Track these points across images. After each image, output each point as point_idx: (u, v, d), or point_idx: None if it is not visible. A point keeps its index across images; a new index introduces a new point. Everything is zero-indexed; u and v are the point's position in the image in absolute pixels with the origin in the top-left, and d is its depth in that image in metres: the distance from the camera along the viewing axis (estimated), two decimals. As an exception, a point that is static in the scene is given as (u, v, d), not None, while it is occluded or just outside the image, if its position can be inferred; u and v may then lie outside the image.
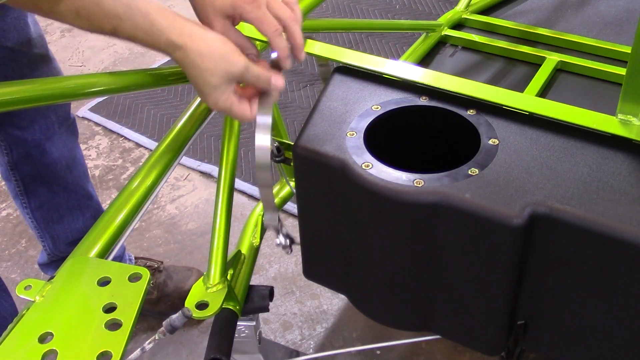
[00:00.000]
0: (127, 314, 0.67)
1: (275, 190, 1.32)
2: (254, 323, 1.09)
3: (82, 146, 2.01)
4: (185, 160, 1.97)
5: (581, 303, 0.84)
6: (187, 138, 0.94)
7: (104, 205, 1.56)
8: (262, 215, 1.21)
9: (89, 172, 1.45)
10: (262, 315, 1.42)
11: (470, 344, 0.97)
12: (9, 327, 0.66)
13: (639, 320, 0.81)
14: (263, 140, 0.83)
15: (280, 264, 1.65)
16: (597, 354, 0.88)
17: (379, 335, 1.44)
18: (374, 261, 0.94)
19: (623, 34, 1.48)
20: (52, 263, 1.46)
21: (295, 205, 1.02)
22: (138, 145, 2.10)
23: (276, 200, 1.31)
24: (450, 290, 0.90)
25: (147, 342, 0.80)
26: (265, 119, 0.83)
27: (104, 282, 0.70)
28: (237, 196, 1.80)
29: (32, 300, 0.69)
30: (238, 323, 1.00)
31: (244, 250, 1.13)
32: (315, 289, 1.57)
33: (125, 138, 2.13)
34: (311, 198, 0.98)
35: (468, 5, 1.58)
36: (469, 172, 0.84)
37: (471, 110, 0.94)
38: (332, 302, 1.53)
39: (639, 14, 1.02)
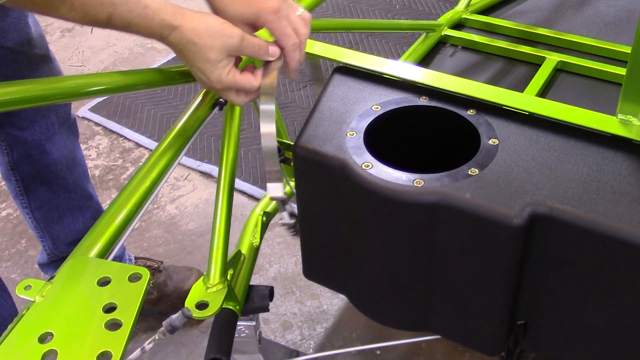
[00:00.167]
0: (127, 314, 0.67)
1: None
2: (254, 323, 1.09)
3: (82, 146, 2.01)
4: (185, 160, 1.97)
5: (581, 303, 0.84)
6: (187, 138, 0.94)
7: (104, 205, 1.56)
8: (264, 211, 1.20)
9: (89, 172, 1.45)
10: (262, 315, 1.42)
11: (470, 344, 0.97)
12: (9, 327, 0.66)
13: (638, 320, 0.81)
14: (268, 128, 0.85)
15: (280, 264, 1.65)
16: (597, 354, 0.88)
17: (379, 335, 1.44)
18: (374, 261, 0.94)
19: (623, 34, 1.48)
20: (52, 263, 1.46)
21: (295, 205, 1.02)
22: (138, 145, 2.10)
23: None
24: (450, 290, 0.90)
25: (147, 342, 0.79)
26: (268, 107, 0.85)
27: (104, 282, 0.70)
28: (237, 196, 1.80)
29: (32, 300, 0.69)
30: (238, 323, 1.00)
31: (244, 250, 1.13)
32: (315, 289, 1.57)
33: (125, 138, 2.13)
34: (311, 198, 0.98)
35: (468, 5, 1.58)
36: (469, 172, 0.84)
37: (471, 110, 0.94)
38: (332, 302, 1.53)
39: (639, 14, 1.02)
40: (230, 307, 0.98)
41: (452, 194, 0.81)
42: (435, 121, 0.97)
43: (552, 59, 1.35)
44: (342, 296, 1.39)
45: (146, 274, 0.71)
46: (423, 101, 0.97)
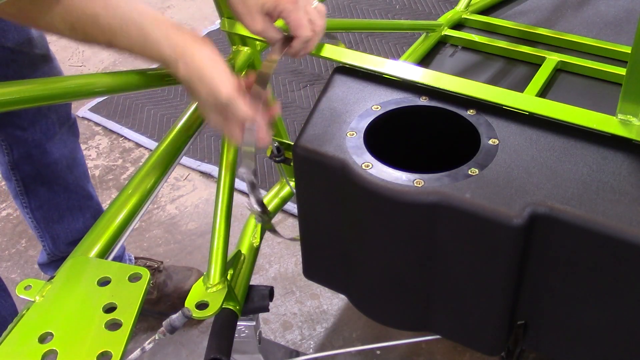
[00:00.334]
0: (127, 314, 0.67)
1: (275, 190, 1.32)
2: (254, 323, 1.09)
3: (82, 146, 2.00)
4: (185, 160, 1.97)
5: (581, 303, 0.84)
6: (187, 138, 0.94)
7: (104, 205, 1.56)
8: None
9: (89, 172, 1.45)
10: (262, 315, 1.42)
11: (470, 344, 0.97)
12: (9, 327, 0.66)
13: (638, 320, 0.81)
14: (248, 166, 0.88)
15: (280, 264, 1.65)
16: (597, 354, 0.88)
17: (379, 335, 1.44)
18: (374, 261, 0.94)
19: (623, 34, 1.48)
20: (52, 263, 1.46)
21: (295, 205, 1.02)
22: (138, 145, 2.10)
23: (276, 200, 1.31)
24: (450, 290, 0.90)
25: (147, 342, 0.80)
26: (248, 149, 0.85)
27: (104, 282, 0.70)
28: (237, 196, 1.79)
29: (32, 300, 0.69)
30: (238, 323, 1.00)
31: (244, 250, 1.13)
32: (315, 289, 1.57)
33: (125, 138, 2.13)
34: (311, 198, 0.98)
35: (468, 5, 1.58)
36: (469, 172, 0.84)
37: (471, 110, 0.94)
38: (332, 302, 1.53)
39: (639, 14, 1.02)
40: (230, 307, 0.98)
41: (452, 194, 0.81)
42: (435, 121, 0.97)
43: (552, 59, 1.35)
44: (342, 296, 1.39)
45: (146, 274, 0.71)
46: (423, 101, 0.97)
